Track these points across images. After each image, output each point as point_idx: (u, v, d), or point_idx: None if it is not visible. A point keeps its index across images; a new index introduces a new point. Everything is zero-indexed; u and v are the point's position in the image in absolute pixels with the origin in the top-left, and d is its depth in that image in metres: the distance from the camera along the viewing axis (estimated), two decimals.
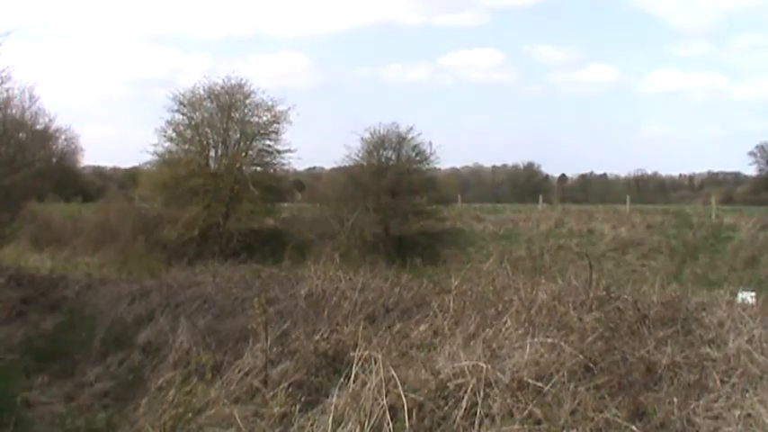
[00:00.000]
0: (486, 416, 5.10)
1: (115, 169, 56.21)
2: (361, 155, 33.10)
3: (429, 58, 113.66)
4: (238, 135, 31.73)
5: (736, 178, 69.70)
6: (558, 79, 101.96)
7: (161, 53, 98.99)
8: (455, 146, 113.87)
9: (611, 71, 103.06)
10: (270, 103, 31.76)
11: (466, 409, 5.17)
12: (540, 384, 5.43)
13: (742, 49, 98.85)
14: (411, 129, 33.07)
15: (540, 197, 37.44)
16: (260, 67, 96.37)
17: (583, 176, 73.57)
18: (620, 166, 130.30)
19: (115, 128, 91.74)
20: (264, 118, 31.98)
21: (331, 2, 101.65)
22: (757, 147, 56.49)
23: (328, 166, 46.59)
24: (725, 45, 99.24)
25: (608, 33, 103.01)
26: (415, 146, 33.18)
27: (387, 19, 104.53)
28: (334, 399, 5.29)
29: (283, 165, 32.89)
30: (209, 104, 31.68)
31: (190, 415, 6.01)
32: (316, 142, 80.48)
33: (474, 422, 5.04)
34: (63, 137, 44.03)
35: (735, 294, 11.08)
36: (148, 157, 32.11)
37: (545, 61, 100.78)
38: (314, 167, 53.50)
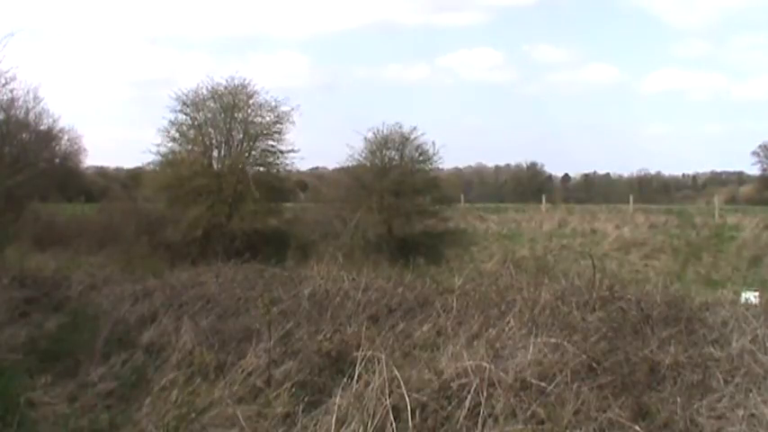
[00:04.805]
0: (490, 416, 5.10)
1: (118, 170, 56.27)
2: (364, 155, 33.16)
3: (428, 57, 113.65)
4: (241, 135, 31.80)
5: (740, 178, 69.61)
6: (559, 79, 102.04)
7: (162, 54, 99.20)
8: (457, 146, 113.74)
9: (611, 71, 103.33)
10: (273, 103, 31.87)
11: (469, 409, 5.16)
12: (543, 384, 5.43)
13: (741, 48, 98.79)
14: (414, 129, 33.14)
15: (544, 197, 37.39)
16: (259, 67, 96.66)
17: (586, 176, 73.62)
18: (623, 165, 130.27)
19: (118, 128, 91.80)
20: (267, 118, 32.09)
21: (330, 2, 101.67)
22: (760, 146, 56.37)
23: (329, 165, 46.84)
24: (724, 44, 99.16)
25: (608, 33, 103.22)
26: (419, 146, 33.23)
27: (386, 19, 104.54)
28: (338, 399, 5.28)
29: (286, 165, 32.97)
30: (212, 105, 31.76)
31: (193, 415, 6.01)
32: (315, 142, 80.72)
33: (477, 422, 5.03)
34: (66, 137, 44.00)
35: (738, 294, 11.08)
36: (151, 158, 32.21)
37: (545, 61, 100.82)
38: (317, 167, 53.58)
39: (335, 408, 5.20)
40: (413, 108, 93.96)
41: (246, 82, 31.87)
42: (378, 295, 9.66)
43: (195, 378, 6.87)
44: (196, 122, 31.83)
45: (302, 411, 5.58)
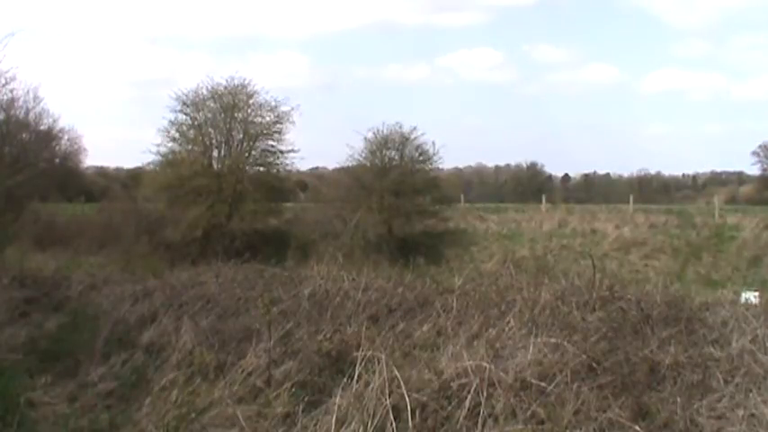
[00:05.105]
0: (490, 416, 5.10)
1: (118, 170, 56.27)
2: (364, 155, 33.19)
3: (428, 57, 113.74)
4: (241, 135, 31.83)
5: (740, 178, 69.62)
6: (559, 79, 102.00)
7: (162, 54, 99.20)
8: (457, 146, 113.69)
9: (611, 71, 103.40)
10: (273, 103, 31.90)
11: (469, 409, 5.16)
12: (543, 384, 5.43)
13: (741, 48, 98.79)
14: (414, 129, 33.17)
15: (544, 197, 37.39)
16: (259, 67, 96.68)
17: (586, 176, 73.61)
18: (623, 165, 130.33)
19: (118, 128, 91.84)
20: (267, 118, 32.14)
21: (330, 2, 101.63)
22: (760, 146, 56.36)
23: (329, 165, 46.97)
24: (724, 44, 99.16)
25: (608, 33, 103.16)
26: (419, 146, 33.26)
27: (386, 19, 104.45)
28: (338, 399, 5.28)
29: (286, 165, 33.00)
30: (212, 105, 31.79)
31: (193, 415, 6.01)
32: (315, 142, 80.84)
33: (477, 422, 5.03)
34: (66, 137, 44.03)
35: (738, 294, 11.08)
36: (151, 158, 32.25)
37: (545, 61, 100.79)
38: (317, 167, 53.67)
39: (335, 408, 5.20)
40: (413, 108, 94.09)
41: (246, 82, 31.96)
42: (378, 295, 9.65)
43: (195, 378, 6.87)
44: (196, 122, 31.86)
45: (302, 411, 5.58)
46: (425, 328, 7.96)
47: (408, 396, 5.10)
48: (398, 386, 5.19)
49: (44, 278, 13.44)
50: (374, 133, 32.81)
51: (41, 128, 37.78)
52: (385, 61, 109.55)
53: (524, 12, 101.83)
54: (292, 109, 31.81)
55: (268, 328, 7.16)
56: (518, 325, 7.24)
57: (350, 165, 33.59)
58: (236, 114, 31.57)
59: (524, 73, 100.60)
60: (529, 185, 60.19)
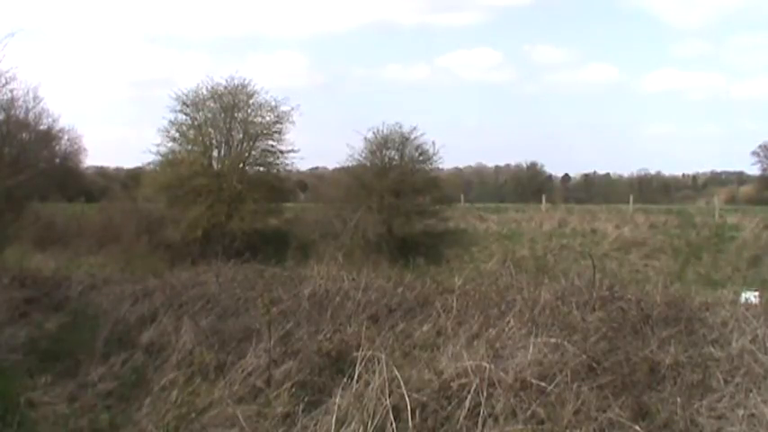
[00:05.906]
0: (490, 416, 5.10)
1: (118, 170, 56.27)
2: (364, 155, 33.18)
3: (428, 57, 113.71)
4: (241, 135, 31.83)
5: (740, 178, 69.61)
6: (558, 79, 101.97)
7: (161, 54, 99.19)
8: (456, 146, 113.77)
9: (610, 71, 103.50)
10: (273, 103, 31.90)
11: (469, 409, 5.16)
12: (543, 384, 5.42)
13: (740, 48, 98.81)
14: (414, 129, 33.16)
15: (544, 197, 37.37)
16: (258, 67, 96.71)
17: (586, 176, 73.61)
18: (623, 165, 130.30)
19: (118, 128, 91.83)
20: (267, 118, 32.14)
21: (329, 2, 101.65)
22: (760, 146, 56.39)
23: (329, 165, 47.03)
24: (723, 44, 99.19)
25: (608, 33, 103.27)
26: (419, 146, 33.24)
27: (385, 19, 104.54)
28: (338, 399, 5.28)
29: (286, 165, 33.01)
30: (212, 105, 31.79)
31: (193, 415, 6.02)
32: (315, 142, 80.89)
33: (477, 422, 5.03)
34: (66, 137, 44.04)
35: (738, 294, 11.07)
36: (151, 158, 32.25)
37: (545, 61, 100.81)
38: (317, 167, 53.69)
39: (335, 408, 5.20)
40: (413, 108, 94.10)
41: (246, 82, 31.97)
42: (378, 295, 9.65)
43: (195, 378, 6.87)
44: (196, 122, 31.86)
45: (302, 411, 5.58)
46: (425, 328, 7.96)
47: (408, 396, 5.10)
48: (398, 386, 5.19)
49: (44, 278, 13.44)
50: (374, 133, 32.84)
51: (41, 128, 37.81)
52: (384, 61, 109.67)
53: (524, 12, 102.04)
54: (292, 109, 31.87)
55: (268, 328, 7.15)
56: (518, 325, 7.24)
57: (350, 165, 33.62)
58: (235, 114, 31.58)
59: (524, 73, 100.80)
60: (529, 185, 60.16)
